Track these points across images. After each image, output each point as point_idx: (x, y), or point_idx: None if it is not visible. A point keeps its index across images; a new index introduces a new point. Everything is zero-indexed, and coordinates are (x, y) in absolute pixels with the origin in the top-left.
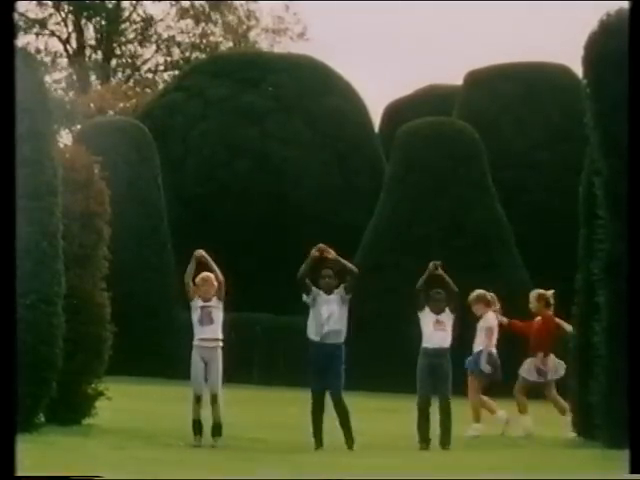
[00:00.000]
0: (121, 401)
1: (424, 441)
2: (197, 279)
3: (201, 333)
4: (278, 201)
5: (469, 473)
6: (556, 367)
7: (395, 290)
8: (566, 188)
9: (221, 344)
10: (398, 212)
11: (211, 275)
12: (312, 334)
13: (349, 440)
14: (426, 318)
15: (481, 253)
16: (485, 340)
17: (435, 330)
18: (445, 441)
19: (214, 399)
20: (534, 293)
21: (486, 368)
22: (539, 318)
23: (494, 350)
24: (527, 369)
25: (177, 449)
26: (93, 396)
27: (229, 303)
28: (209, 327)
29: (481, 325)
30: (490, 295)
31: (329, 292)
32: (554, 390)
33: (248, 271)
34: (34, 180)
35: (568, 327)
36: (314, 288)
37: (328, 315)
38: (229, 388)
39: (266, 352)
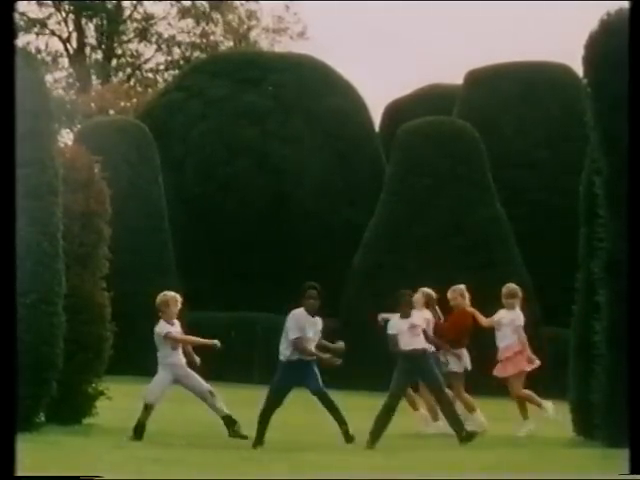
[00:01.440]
0: (121, 401)
1: (375, 437)
2: (166, 299)
3: (173, 356)
4: (278, 201)
5: (468, 473)
6: (461, 361)
7: (395, 289)
8: (566, 187)
9: None
10: (398, 211)
11: (177, 295)
12: (286, 351)
13: (345, 434)
14: (399, 324)
15: (481, 252)
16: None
17: (411, 336)
18: (462, 435)
19: (211, 394)
20: (454, 288)
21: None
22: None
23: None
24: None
25: (177, 449)
26: (93, 396)
27: (229, 303)
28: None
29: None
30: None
31: (313, 314)
32: (461, 387)
33: (248, 270)
34: (35, 180)
35: (483, 320)
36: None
37: (312, 337)
38: (229, 388)
39: (266, 352)
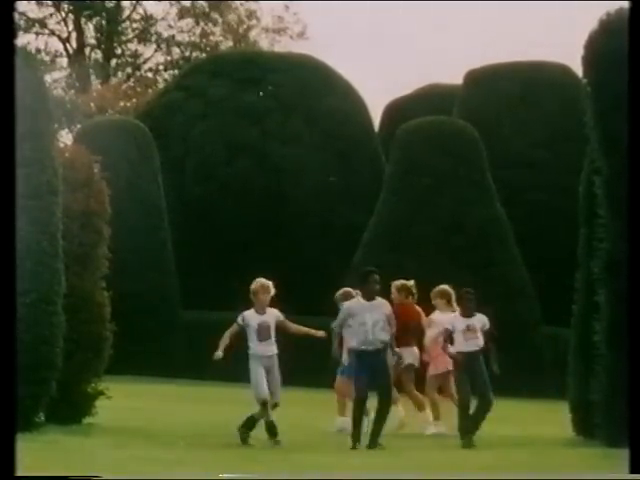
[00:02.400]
0: (121, 400)
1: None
2: (253, 288)
3: (260, 347)
4: (278, 200)
5: (468, 472)
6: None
7: None
8: (566, 187)
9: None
10: (398, 211)
11: (263, 283)
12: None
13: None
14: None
15: (481, 252)
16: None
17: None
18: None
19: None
20: (396, 283)
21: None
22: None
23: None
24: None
25: (177, 449)
26: (93, 395)
27: (229, 302)
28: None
29: None
30: (355, 292)
31: (371, 299)
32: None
33: (248, 270)
34: (34, 179)
35: (425, 319)
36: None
37: (373, 323)
38: (229, 388)
39: None
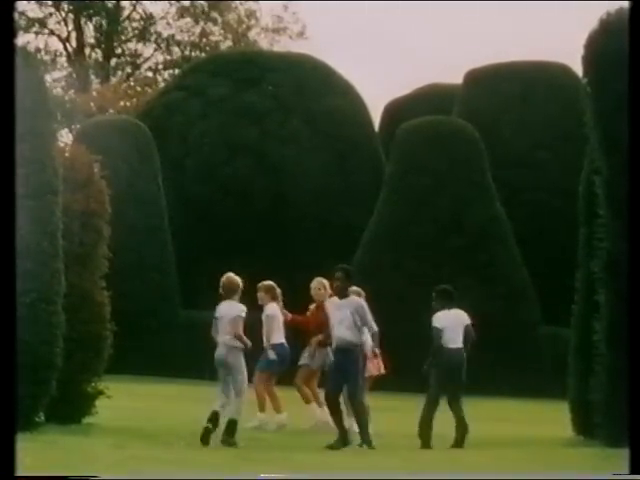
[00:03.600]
0: (121, 400)
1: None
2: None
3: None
4: (278, 200)
5: (468, 472)
6: (323, 358)
7: (395, 289)
8: (566, 187)
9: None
10: (398, 211)
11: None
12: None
13: (362, 439)
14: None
15: (481, 252)
16: (268, 331)
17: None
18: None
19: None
20: (315, 281)
21: (271, 355)
22: (313, 306)
23: (281, 340)
24: (305, 356)
25: (177, 449)
26: (93, 395)
27: None
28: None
29: (263, 315)
30: (278, 290)
31: (343, 297)
32: (315, 381)
33: (248, 270)
34: (34, 179)
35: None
36: None
37: (339, 321)
38: None
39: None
